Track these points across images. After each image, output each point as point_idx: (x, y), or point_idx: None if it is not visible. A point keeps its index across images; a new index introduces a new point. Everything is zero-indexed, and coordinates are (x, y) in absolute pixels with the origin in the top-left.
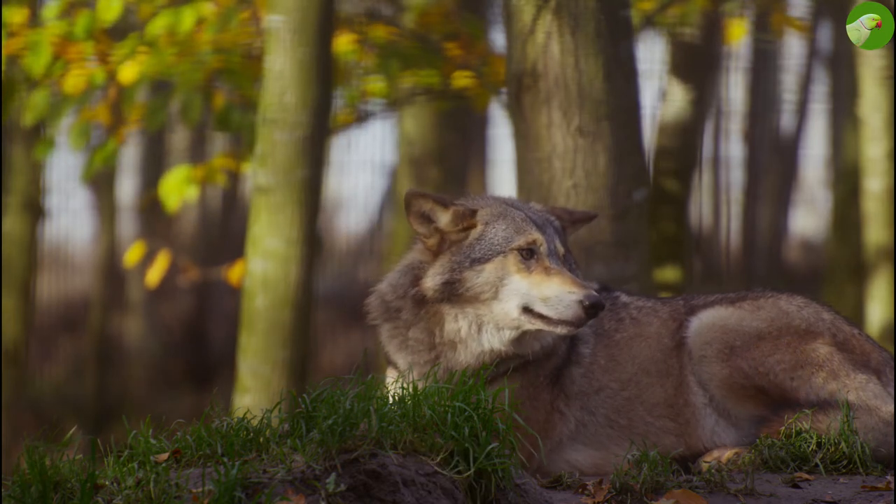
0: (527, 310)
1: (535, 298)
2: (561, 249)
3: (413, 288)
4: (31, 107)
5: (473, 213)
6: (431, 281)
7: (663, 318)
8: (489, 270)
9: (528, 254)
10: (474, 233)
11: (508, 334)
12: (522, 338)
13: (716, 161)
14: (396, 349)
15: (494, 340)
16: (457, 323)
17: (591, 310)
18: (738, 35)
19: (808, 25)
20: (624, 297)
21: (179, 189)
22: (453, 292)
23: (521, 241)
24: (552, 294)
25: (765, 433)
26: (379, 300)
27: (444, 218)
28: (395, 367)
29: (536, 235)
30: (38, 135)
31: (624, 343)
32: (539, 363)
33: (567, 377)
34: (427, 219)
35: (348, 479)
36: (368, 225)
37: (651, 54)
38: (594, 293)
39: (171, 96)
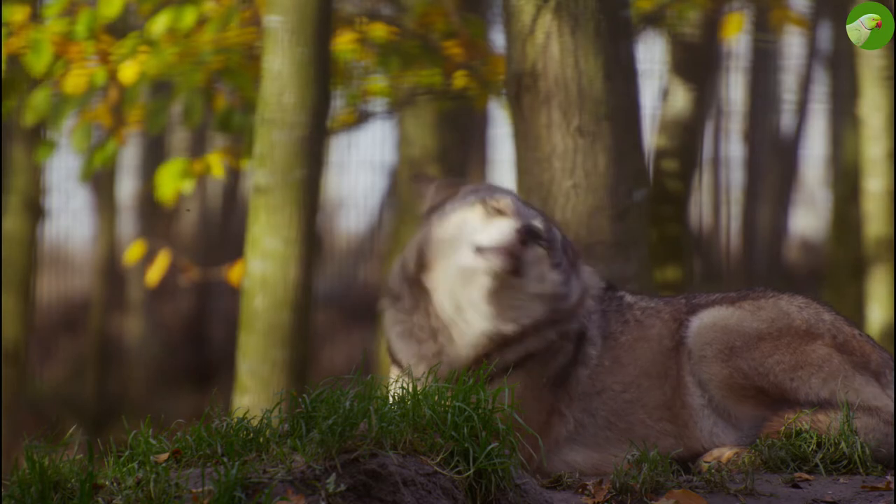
0: (478, 249)
1: (484, 235)
2: (540, 226)
3: (403, 267)
4: (31, 107)
5: (457, 185)
6: (407, 251)
7: (665, 318)
8: (454, 221)
9: (494, 210)
10: (453, 199)
11: (478, 295)
12: (500, 307)
13: (716, 161)
14: (399, 337)
15: (476, 317)
16: (439, 297)
17: (520, 233)
18: (736, 29)
19: (808, 22)
20: (629, 298)
21: (175, 181)
22: (423, 257)
23: (491, 201)
24: (495, 227)
25: (765, 433)
26: (386, 290)
27: (429, 191)
28: (398, 363)
29: (507, 199)
30: (39, 135)
31: (627, 345)
32: (542, 361)
33: (574, 378)
34: (421, 196)
35: (348, 479)
36: (368, 225)
37: (651, 54)
38: (530, 222)
39: (172, 98)
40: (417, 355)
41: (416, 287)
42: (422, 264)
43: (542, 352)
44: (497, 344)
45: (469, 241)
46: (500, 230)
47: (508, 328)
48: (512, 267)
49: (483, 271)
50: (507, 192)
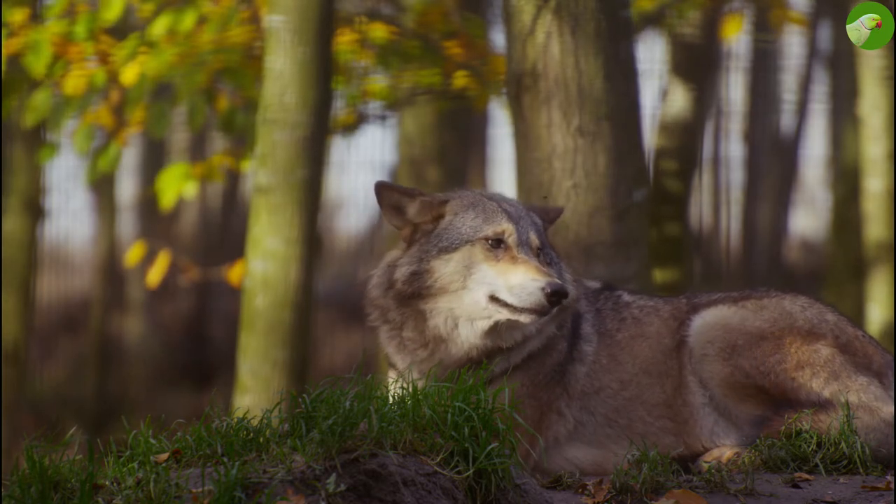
0: (494, 298)
1: (502, 286)
2: (535, 241)
3: (391, 285)
4: (32, 108)
5: (443, 202)
6: (400, 272)
7: (664, 317)
8: (457, 259)
9: (497, 243)
10: (443, 223)
11: (481, 325)
12: (496, 329)
13: (716, 161)
14: (395, 350)
15: (470, 335)
16: (434, 319)
17: (553, 297)
18: (736, 29)
19: (807, 21)
20: (626, 296)
21: (176, 185)
22: (422, 284)
23: (489, 230)
24: (517, 282)
25: (765, 433)
26: (371, 302)
27: (412, 208)
28: (395, 367)
29: (506, 225)
30: (39, 135)
31: (625, 343)
32: (541, 360)
33: (572, 376)
34: (399, 210)
35: (348, 479)
36: (368, 225)
37: (651, 54)
38: (557, 281)
39: (175, 100)
40: (411, 362)
41: (406, 307)
42: (417, 291)
43: (541, 350)
44: (492, 351)
45: (482, 285)
46: (528, 292)
47: (508, 343)
48: (541, 320)
49: (497, 315)
50: (499, 213)
